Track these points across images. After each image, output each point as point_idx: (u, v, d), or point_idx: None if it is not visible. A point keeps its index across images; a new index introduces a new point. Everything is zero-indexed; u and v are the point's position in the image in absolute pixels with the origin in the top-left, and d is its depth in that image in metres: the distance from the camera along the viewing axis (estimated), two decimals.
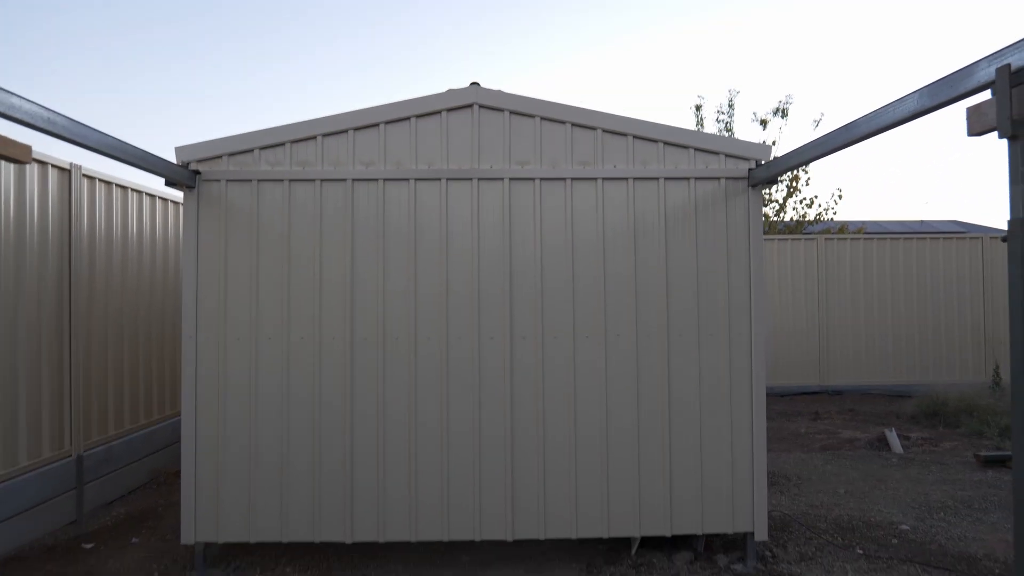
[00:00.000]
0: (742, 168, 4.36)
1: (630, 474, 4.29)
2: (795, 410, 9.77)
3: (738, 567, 4.30)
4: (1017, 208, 2.12)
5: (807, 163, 3.71)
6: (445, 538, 4.26)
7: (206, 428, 4.22)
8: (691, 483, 4.30)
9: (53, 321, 5.06)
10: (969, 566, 4.26)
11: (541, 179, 4.34)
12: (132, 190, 6.15)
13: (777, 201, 15.62)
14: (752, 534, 4.31)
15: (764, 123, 15.60)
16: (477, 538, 4.26)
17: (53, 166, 5.07)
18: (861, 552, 4.51)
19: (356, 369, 4.26)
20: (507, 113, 4.37)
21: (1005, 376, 10.50)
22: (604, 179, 4.34)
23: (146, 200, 6.41)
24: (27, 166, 4.81)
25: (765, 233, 14.72)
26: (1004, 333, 10.87)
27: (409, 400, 4.26)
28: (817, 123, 15.93)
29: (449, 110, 4.37)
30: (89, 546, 4.71)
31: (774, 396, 10.75)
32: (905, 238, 10.97)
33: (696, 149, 4.37)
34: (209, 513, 4.20)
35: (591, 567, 4.32)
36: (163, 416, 6.62)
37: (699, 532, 4.33)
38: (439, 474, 4.25)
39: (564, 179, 4.34)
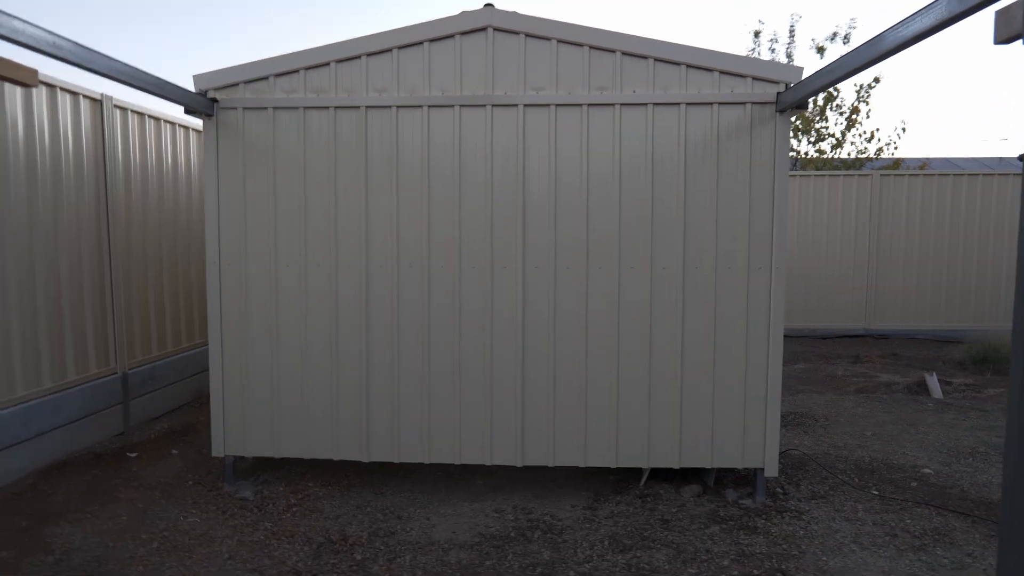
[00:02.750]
0: (770, 92, 4.10)
1: (640, 406, 4.29)
2: (835, 353, 9.51)
3: (746, 502, 4.30)
4: None
5: (836, 82, 3.45)
6: (457, 461, 4.39)
7: (232, 349, 4.40)
8: (702, 416, 4.27)
9: (93, 247, 5.31)
10: (987, 511, 4.14)
11: (557, 105, 4.19)
12: (165, 121, 6.27)
13: (835, 136, 14.76)
14: (762, 470, 4.29)
15: (821, 50, 14.58)
16: (488, 462, 4.38)
17: (85, 96, 5.20)
18: (876, 493, 4.44)
19: (371, 295, 4.33)
20: (522, 36, 4.20)
21: None
22: (622, 104, 4.16)
23: (179, 131, 6.54)
24: (58, 98, 4.95)
25: (820, 168, 14.02)
26: None
27: (423, 326, 4.33)
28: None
29: (463, 34, 4.23)
30: (133, 455, 5.09)
31: (815, 339, 10.47)
32: (969, 175, 10.24)
33: (721, 72, 4.12)
34: (237, 429, 4.44)
35: (599, 495, 4.41)
36: (204, 340, 6.95)
37: (708, 466, 4.33)
38: (452, 399, 4.35)
39: (580, 105, 4.18)
